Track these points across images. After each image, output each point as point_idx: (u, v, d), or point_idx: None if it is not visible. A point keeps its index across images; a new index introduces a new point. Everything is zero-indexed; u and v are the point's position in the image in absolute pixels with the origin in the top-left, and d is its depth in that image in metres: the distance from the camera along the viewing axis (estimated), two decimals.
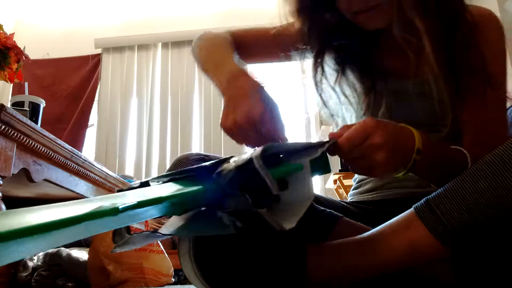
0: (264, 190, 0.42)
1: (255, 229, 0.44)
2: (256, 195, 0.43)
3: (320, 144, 0.52)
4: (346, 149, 0.53)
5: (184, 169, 0.48)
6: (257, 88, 0.62)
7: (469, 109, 0.70)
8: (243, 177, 0.42)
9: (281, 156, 0.53)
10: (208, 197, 0.45)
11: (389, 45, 0.76)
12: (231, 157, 0.46)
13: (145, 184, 0.50)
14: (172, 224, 0.49)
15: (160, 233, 0.48)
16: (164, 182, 0.48)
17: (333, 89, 0.81)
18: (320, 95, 0.83)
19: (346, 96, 0.80)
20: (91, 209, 0.34)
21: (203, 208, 0.49)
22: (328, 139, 0.55)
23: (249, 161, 0.42)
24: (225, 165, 0.43)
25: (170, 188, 0.43)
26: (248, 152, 0.45)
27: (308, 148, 0.53)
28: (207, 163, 0.46)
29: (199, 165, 0.46)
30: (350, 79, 0.80)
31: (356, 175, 0.88)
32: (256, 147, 0.46)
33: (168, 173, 0.50)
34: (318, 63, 0.81)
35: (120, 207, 0.34)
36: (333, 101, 0.82)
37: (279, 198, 0.48)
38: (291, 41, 0.82)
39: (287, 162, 0.51)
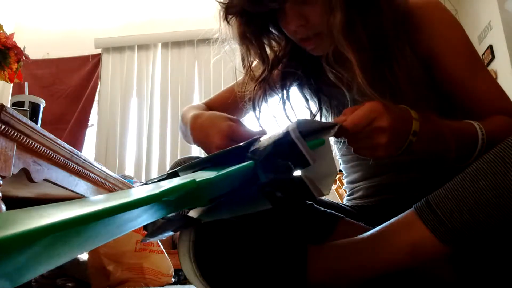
0: (299, 163, 0.44)
1: (293, 199, 0.47)
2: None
3: (331, 126, 0.54)
4: (351, 131, 0.55)
5: (216, 153, 0.49)
6: (215, 114, 0.69)
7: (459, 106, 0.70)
8: (277, 152, 0.44)
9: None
10: (245, 176, 0.46)
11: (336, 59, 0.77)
12: (256, 139, 0.48)
13: (173, 174, 0.51)
14: (200, 209, 0.50)
15: (190, 216, 0.48)
16: (194, 171, 0.49)
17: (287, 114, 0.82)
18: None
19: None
20: (173, 185, 0.35)
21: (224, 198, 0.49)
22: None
23: (286, 134, 0.44)
24: (260, 143, 0.45)
25: (212, 172, 0.43)
26: (279, 130, 0.47)
27: (322, 128, 0.55)
28: (241, 144, 0.48)
29: (231, 147, 0.48)
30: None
31: (345, 183, 0.88)
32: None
33: (196, 160, 0.51)
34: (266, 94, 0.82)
35: (197, 180, 0.35)
36: None
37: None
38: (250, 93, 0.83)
39: (308, 138, 0.52)
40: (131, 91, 3.58)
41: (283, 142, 0.44)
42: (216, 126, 0.65)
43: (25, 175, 1.03)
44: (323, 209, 0.69)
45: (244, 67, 0.84)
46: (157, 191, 0.34)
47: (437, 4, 0.72)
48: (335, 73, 0.71)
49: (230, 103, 0.90)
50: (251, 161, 0.44)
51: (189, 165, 0.51)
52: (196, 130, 0.70)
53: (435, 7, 0.72)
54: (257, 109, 0.83)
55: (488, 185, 0.51)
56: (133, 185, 1.95)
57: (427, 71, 0.72)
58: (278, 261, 0.55)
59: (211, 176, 0.39)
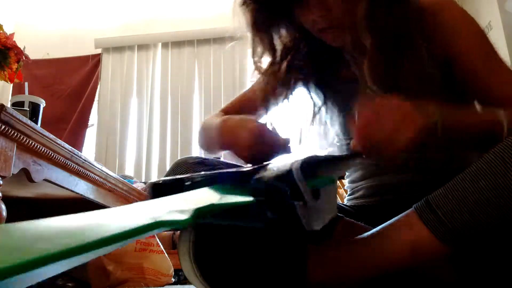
0: (297, 196, 0.46)
1: (283, 222, 0.48)
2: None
3: (347, 157, 0.55)
4: (366, 152, 0.56)
5: (219, 172, 0.51)
6: (245, 117, 0.71)
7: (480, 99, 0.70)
8: (279, 183, 0.46)
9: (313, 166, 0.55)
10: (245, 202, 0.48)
11: (346, 55, 0.78)
12: (266, 165, 0.50)
13: (179, 181, 0.53)
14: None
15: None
16: (196, 183, 0.51)
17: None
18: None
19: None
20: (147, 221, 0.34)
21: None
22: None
23: (289, 172, 0.46)
24: (265, 173, 0.47)
25: (214, 196, 0.45)
26: (286, 161, 0.49)
27: (336, 160, 0.56)
28: (245, 169, 0.50)
29: (236, 170, 0.50)
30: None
31: (347, 183, 0.89)
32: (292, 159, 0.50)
33: (201, 174, 0.53)
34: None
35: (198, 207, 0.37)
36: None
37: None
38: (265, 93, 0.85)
39: (320, 173, 0.53)
40: (131, 91, 3.58)
41: (285, 179, 0.46)
42: (245, 127, 0.66)
43: (25, 175, 1.03)
44: None
45: (253, 60, 0.84)
46: (158, 219, 0.34)
47: (451, 1, 0.73)
48: (356, 62, 0.71)
49: (245, 107, 0.90)
50: (253, 199, 0.45)
51: (194, 180, 0.52)
52: (226, 132, 0.71)
53: (451, 4, 0.73)
54: (268, 105, 0.85)
55: (488, 185, 0.51)
56: (133, 185, 1.95)
57: (440, 69, 0.72)
58: (278, 261, 0.55)
59: (214, 203, 0.41)
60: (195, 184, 0.52)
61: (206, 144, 0.84)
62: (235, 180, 0.50)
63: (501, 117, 0.60)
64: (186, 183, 0.52)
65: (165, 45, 3.64)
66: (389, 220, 0.58)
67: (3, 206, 0.98)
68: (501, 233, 0.52)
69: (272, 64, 0.81)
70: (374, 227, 0.59)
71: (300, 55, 0.80)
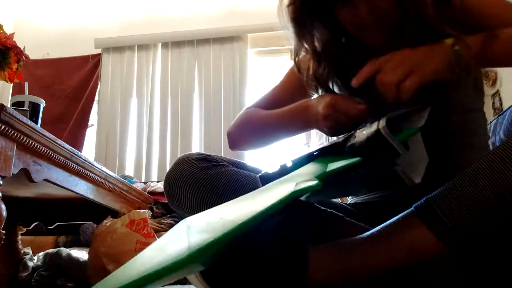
0: (391, 153, 0.50)
1: (387, 186, 0.52)
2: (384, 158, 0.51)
3: (420, 109, 0.57)
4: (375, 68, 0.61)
5: (318, 148, 0.55)
6: (320, 96, 0.78)
7: None
8: (371, 145, 0.51)
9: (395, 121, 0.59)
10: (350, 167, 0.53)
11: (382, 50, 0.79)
12: (352, 134, 0.53)
13: (282, 167, 0.59)
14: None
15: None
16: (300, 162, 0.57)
17: None
18: None
19: None
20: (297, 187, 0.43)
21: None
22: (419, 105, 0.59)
23: (377, 132, 0.50)
24: (355, 139, 0.51)
25: (322, 166, 0.51)
26: (371, 124, 0.52)
27: (413, 112, 0.59)
28: (339, 139, 0.54)
29: (332, 142, 0.55)
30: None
31: None
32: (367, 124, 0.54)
33: (300, 155, 0.58)
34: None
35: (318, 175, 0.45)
36: None
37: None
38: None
39: (403, 127, 0.57)
40: (131, 91, 3.58)
41: (375, 139, 0.50)
42: (321, 101, 0.71)
43: (25, 175, 1.03)
44: (323, 208, 0.69)
45: (294, 57, 0.86)
46: (293, 188, 0.41)
47: None
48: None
49: (278, 102, 0.92)
50: (358, 158, 0.49)
51: (295, 161, 0.59)
52: (304, 109, 0.77)
53: None
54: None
55: (487, 185, 0.51)
56: (133, 185, 1.95)
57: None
58: (278, 261, 0.55)
59: (325, 170, 0.48)
60: (297, 164, 0.58)
61: (262, 132, 0.88)
62: (330, 152, 0.54)
63: None
64: (289, 166, 0.58)
65: (165, 45, 3.64)
66: (389, 219, 0.58)
67: (3, 206, 0.98)
68: (500, 232, 0.52)
69: (314, 66, 0.83)
70: (374, 227, 0.59)
71: (332, 56, 0.82)
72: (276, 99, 0.94)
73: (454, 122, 0.76)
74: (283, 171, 0.59)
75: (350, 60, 0.82)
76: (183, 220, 0.43)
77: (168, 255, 0.31)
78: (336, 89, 0.85)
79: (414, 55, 0.60)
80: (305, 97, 0.89)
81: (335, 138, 0.70)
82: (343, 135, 0.56)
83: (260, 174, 0.63)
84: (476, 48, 0.62)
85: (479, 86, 0.79)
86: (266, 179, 0.61)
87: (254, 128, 0.89)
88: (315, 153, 0.58)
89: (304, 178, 0.45)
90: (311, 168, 0.52)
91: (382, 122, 0.50)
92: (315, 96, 0.83)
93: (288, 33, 0.82)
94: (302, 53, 0.84)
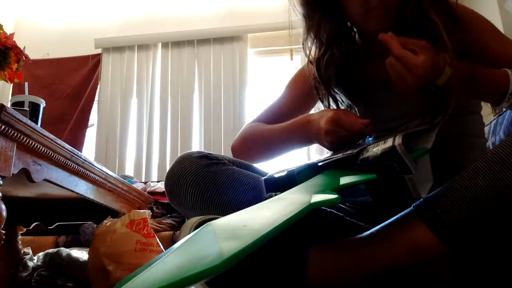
0: (402, 170, 0.51)
1: (391, 195, 0.53)
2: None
3: (428, 129, 0.59)
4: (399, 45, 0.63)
5: (329, 159, 0.56)
6: (322, 111, 0.78)
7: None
8: (385, 161, 0.52)
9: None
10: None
11: (377, 55, 0.81)
12: (364, 148, 0.54)
13: (290, 173, 0.60)
14: None
15: None
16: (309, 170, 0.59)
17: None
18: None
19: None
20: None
21: None
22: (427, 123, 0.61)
23: (392, 149, 0.51)
24: (369, 154, 0.53)
25: (335, 178, 0.52)
26: (386, 140, 0.54)
27: (424, 132, 0.61)
28: (352, 152, 0.55)
29: (344, 155, 0.55)
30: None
31: None
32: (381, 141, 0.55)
33: (308, 163, 0.59)
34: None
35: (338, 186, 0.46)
36: None
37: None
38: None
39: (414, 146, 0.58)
40: (131, 91, 3.57)
41: (390, 155, 0.51)
42: (323, 116, 0.72)
43: (25, 175, 1.03)
44: (322, 208, 0.69)
45: (303, 47, 0.88)
46: (311, 200, 0.42)
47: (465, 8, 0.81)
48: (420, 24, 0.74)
49: (285, 111, 0.94)
50: (374, 175, 0.51)
51: (301, 169, 0.60)
52: (307, 124, 0.78)
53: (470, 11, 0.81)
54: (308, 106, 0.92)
55: (486, 183, 0.51)
56: (133, 185, 1.95)
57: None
58: (278, 261, 0.55)
59: (339, 183, 0.49)
60: (302, 172, 0.59)
61: (264, 147, 0.89)
62: (341, 164, 0.55)
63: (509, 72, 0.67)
64: (297, 174, 0.59)
65: (165, 45, 3.64)
66: (389, 219, 0.58)
67: (3, 206, 0.98)
68: (499, 230, 0.53)
69: (320, 52, 0.84)
70: (374, 227, 0.59)
71: (336, 51, 0.83)
72: (277, 113, 0.95)
73: (452, 124, 0.76)
74: (289, 178, 0.60)
75: (351, 64, 0.83)
76: (206, 224, 0.43)
77: (200, 260, 0.31)
78: (339, 91, 0.86)
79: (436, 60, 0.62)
80: (306, 109, 0.91)
81: (338, 152, 0.71)
82: (352, 149, 0.56)
83: (265, 178, 0.63)
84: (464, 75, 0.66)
85: None
86: (271, 183, 0.62)
87: (257, 143, 0.90)
88: (320, 164, 0.58)
89: (318, 189, 0.47)
90: (323, 180, 0.53)
91: (398, 140, 0.51)
92: (316, 109, 0.84)
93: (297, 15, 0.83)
94: (310, 39, 0.85)
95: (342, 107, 0.88)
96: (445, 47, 0.68)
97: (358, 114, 0.86)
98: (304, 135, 0.79)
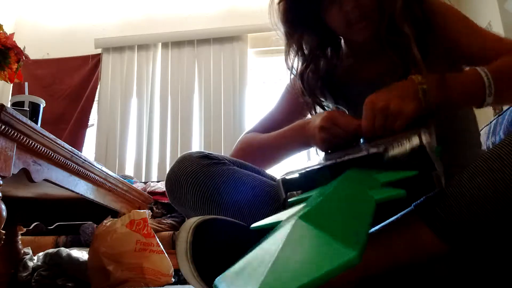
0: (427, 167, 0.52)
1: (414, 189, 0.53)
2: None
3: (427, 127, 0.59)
4: (371, 130, 0.63)
5: (348, 158, 0.56)
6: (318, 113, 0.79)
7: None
8: (412, 158, 0.53)
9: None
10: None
11: (362, 60, 0.85)
12: (388, 146, 0.55)
13: (309, 172, 0.60)
14: None
15: None
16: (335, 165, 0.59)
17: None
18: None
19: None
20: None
21: None
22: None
23: (421, 147, 0.52)
24: (395, 152, 0.54)
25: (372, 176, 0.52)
26: (409, 138, 0.54)
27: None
28: (376, 150, 0.55)
29: (370, 152, 0.55)
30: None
31: None
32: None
33: (331, 162, 0.59)
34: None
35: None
36: None
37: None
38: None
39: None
40: (131, 91, 3.58)
41: (417, 153, 0.52)
42: (319, 115, 0.72)
43: (25, 175, 1.03)
44: None
45: (285, 59, 0.89)
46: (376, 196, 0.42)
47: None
48: (393, 40, 0.76)
49: (279, 122, 0.94)
50: (415, 171, 0.51)
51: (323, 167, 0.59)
52: (302, 126, 0.78)
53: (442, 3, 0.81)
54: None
55: (485, 181, 0.51)
56: (133, 185, 1.95)
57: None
58: None
59: (381, 180, 0.50)
60: (322, 171, 0.59)
61: (262, 156, 0.89)
62: (363, 163, 0.55)
63: (479, 69, 0.66)
64: (320, 170, 0.59)
65: (165, 45, 3.64)
66: (389, 218, 0.58)
67: (3, 206, 0.98)
68: (498, 229, 0.53)
69: (301, 66, 0.85)
70: (374, 226, 0.59)
71: (318, 62, 0.85)
72: (273, 122, 0.95)
73: (445, 120, 0.76)
74: (308, 177, 0.60)
75: (333, 68, 0.85)
76: (296, 221, 0.40)
77: (329, 255, 0.31)
78: (322, 98, 0.87)
79: (392, 101, 0.63)
80: (301, 117, 0.92)
81: (332, 155, 0.71)
82: (364, 149, 0.57)
83: (282, 178, 0.62)
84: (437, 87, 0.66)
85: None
86: (289, 183, 0.61)
87: (254, 152, 0.90)
88: (339, 161, 0.59)
89: (365, 186, 0.47)
90: (359, 177, 0.53)
91: (426, 138, 0.53)
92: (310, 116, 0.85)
93: (278, 33, 0.84)
94: (292, 54, 0.86)
95: None
96: (415, 61, 0.70)
97: None
98: (301, 139, 0.79)
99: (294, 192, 0.61)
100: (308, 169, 0.60)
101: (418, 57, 0.69)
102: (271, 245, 0.36)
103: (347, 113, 0.87)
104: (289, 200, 0.59)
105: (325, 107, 0.89)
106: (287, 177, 0.62)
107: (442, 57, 0.78)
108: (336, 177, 0.56)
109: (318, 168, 0.60)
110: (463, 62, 0.79)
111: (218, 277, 0.34)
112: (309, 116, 0.90)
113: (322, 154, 0.74)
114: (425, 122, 0.62)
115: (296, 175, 0.61)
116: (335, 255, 0.30)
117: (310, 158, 0.87)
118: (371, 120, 0.63)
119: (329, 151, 0.71)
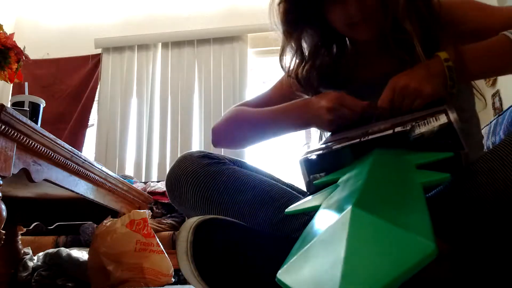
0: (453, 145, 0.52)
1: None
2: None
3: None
4: (388, 106, 0.64)
5: (375, 136, 0.56)
6: (322, 93, 0.77)
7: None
8: (440, 136, 0.52)
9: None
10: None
11: (367, 58, 0.84)
12: (414, 125, 0.54)
13: (331, 151, 0.59)
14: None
15: None
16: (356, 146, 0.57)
17: None
18: None
19: None
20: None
21: None
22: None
23: (449, 125, 0.51)
24: (423, 129, 0.53)
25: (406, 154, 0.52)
26: (436, 116, 0.54)
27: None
28: (405, 127, 0.54)
29: (396, 131, 0.55)
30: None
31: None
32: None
33: (355, 141, 0.58)
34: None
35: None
36: None
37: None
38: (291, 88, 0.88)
39: None
40: (131, 91, 3.58)
41: (445, 131, 0.51)
42: (325, 95, 0.72)
43: (25, 175, 1.03)
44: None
45: (280, 59, 0.87)
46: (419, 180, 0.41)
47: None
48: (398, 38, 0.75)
49: (274, 100, 0.92)
50: (451, 152, 0.50)
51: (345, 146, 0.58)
52: (304, 105, 0.76)
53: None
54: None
55: (486, 181, 0.51)
56: (133, 185, 1.95)
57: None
58: (276, 261, 0.55)
59: (416, 162, 0.48)
60: (344, 151, 0.58)
61: (251, 130, 0.87)
62: (389, 142, 0.54)
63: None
64: (342, 150, 0.58)
65: (165, 45, 3.64)
66: None
67: (3, 206, 0.98)
68: (498, 229, 0.53)
69: (298, 65, 0.84)
70: None
71: (320, 59, 0.84)
72: (268, 101, 0.93)
73: None
74: (330, 157, 0.59)
75: (337, 66, 0.84)
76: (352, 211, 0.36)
77: (404, 252, 0.29)
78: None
79: (413, 81, 0.63)
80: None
81: (338, 135, 0.70)
82: (387, 126, 0.56)
83: (304, 159, 0.61)
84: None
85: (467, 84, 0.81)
86: (312, 164, 0.60)
87: (243, 124, 0.87)
88: (364, 139, 0.57)
89: (401, 167, 0.46)
90: (391, 158, 0.51)
91: (454, 115, 0.52)
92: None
93: (278, 34, 0.83)
94: (288, 52, 0.85)
95: None
96: (419, 60, 0.70)
97: None
98: (301, 116, 0.77)
99: (317, 175, 0.60)
100: (329, 149, 0.59)
101: (422, 56, 0.69)
102: (334, 238, 0.34)
103: None
104: (314, 182, 0.58)
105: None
106: (309, 157, 0.60)
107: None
108: (359, 157, 0.55)
109: (341, 148, 0.58)
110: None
111: (280, 272, 0.33)
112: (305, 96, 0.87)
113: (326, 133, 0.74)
114: (442, 103, 0.61)
115: (316, 155, 0.60)
116: (413, 248, 0.28)
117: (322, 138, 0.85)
118: (389, 97, 0.64)
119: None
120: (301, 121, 0.78)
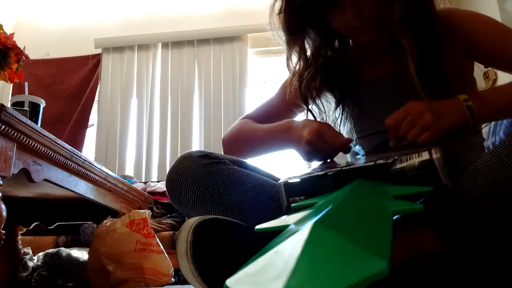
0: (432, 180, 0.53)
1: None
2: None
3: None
4: (393, 126, 0.63)
5: (355, 167, 0.56)
6: (306, 120, 0.79)
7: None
8: (421, 171, 0.53)
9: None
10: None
11: (370, 57, 0.84)
12: (396, 159, 0.55)
13: (312, 178, 0.59)
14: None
15: None
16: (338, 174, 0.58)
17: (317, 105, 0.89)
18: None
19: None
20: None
21: None
22: None
23: (430, 162, 0.52)
24: (404, 164, 0.54)
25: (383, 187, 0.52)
26: (419, 152, 0.54)
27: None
28: (387, 161, 0.55)
29: (377, 163, 0.55)
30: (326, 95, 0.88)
31: None
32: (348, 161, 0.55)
33: (336, 169, 0.58)
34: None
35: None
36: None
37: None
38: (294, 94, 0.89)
39: None
40: (131, 91, 3.57)
41: (426, 167, 0.52)
42: (309, 125, 0.72)
43: (25, 175, 1.03)
44: None
45: (287, 63, 0.88)
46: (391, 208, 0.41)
47: (460, 10, 0.80)
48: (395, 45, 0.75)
49: (272, 114, 0.94)
50: (430, 187, 0.50)
51: (327, 174, 0.58)
52: (294, 130, 0.77)
53: (459, 10, 0.80)
54: (295, 111, 0.91)
55: (485, 183, 0.51)
56: (133, 185, 1.95)
57: (468, 58, 0.79)
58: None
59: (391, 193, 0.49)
60: (325, 179, 0.58)
61: (251, 146, 0.90)
62: (368, 173, 0.55)
63: None
64: (323, 177, 0.58)
65: (165, 45, 3.64)
66: None
67: (3, 206, 0.98)
68: (497, 230, 0.53)
69: (303, 68, 0.84)
70: None
71: (324, 59, 0.84)
72: (270, 111, 0.96)
73: None
74: (311, 183, 0.59)
75: (341, 65, 0.84)
76: (314, 224, 0.38)
77: (356, 265, 0.30)
78: (330, 93, 0.87)
79: (430, 111, 0.63)
80: (293, 114, 0.92)
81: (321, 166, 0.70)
82: (387, 159, 0.56)
83: (284, 182, 0.62)
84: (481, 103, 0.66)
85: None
86: (291, 187, 0.61)
87: (245, 140, 0.91)
88: (345, 168, 0.58)
89: (377, 197, 0.47)
90: (370, 188, 0.52)
91: (436, 153, 0.52)
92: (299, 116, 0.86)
93: (280, 41, 0.83)
94: (294, 58, 0.85)
95: (318, 118, 0.89)
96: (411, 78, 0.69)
97: (349, 116, 0.87)
98: (284, 140, 0.80)
99: (297, 198, 0.60)
100: (311, 175, 0.60)
101: (414, 77, 0.68)
102: (289, 249, 0.34)
103: (347, 116, 0.87)
104: (292, 205, 0.59)
105: (315, 115, 0.88)
106: (289, 181, 0.61)
107: (457, 58, 0.77)
108: (339, 185, 0.55)
109: (322, 175, 0.59)
110: (484, 62, 0.81)
111: (229, 279, 0.33)
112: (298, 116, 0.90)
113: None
114: (437, 143, 0.61)
115: (298, 179, 0.61)
116: (365, 264, 0.29)
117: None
118: (399, 119, 0.64)
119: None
120: (284, 144, 0.80)
